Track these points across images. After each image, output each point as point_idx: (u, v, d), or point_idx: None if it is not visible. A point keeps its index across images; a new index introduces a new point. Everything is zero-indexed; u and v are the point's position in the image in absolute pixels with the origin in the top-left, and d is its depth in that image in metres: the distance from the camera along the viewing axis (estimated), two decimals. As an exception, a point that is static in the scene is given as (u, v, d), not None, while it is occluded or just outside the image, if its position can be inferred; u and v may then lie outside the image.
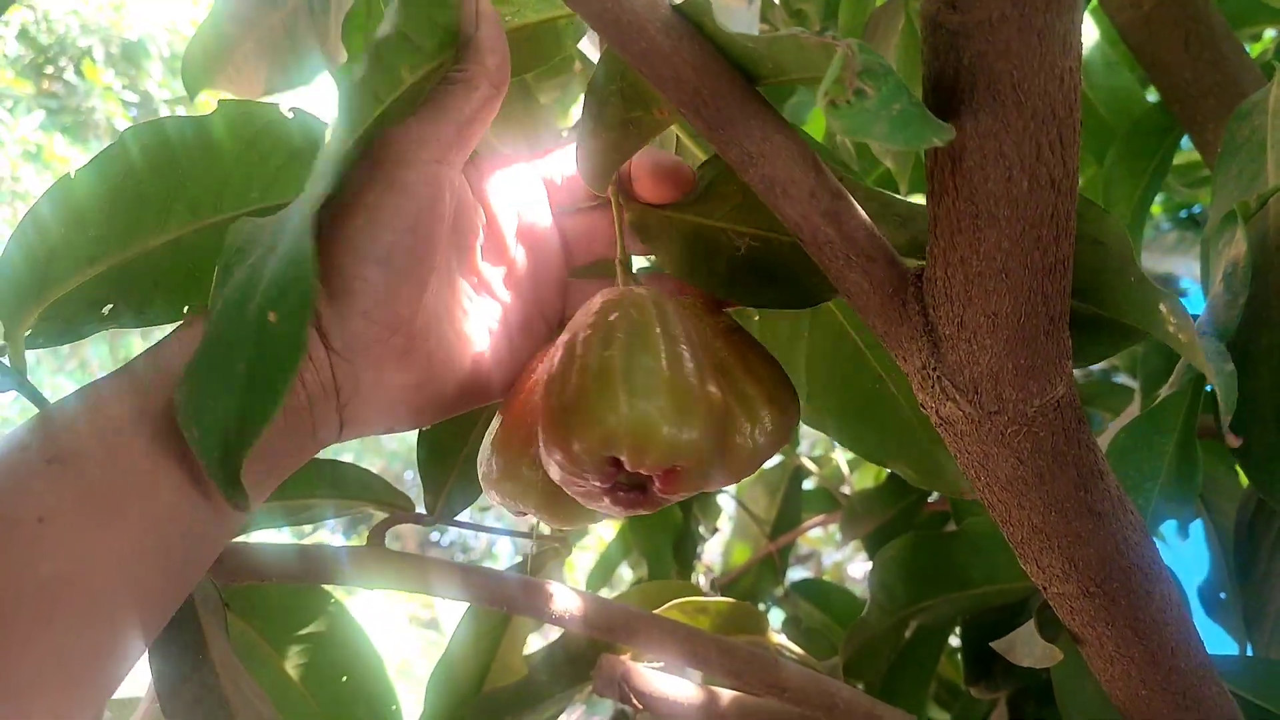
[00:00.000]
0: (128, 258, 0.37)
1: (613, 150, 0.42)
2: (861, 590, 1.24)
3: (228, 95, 0.61)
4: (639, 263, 0.47)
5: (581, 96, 0.42)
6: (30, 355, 0.38)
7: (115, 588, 0.32)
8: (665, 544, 1.12)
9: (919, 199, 0.38)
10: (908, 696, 0.73)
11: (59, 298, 0.37)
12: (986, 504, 0.40)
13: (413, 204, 0.37)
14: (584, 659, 0.60)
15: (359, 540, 0.55)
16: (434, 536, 4.06)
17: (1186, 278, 1.48)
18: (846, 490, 1.26)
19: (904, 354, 0.37)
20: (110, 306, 0.38)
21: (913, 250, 0.39)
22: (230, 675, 0.40)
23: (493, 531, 0.55)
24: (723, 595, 1.20)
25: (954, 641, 0.86)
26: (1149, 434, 0.48)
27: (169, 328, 0.37)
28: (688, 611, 0.61)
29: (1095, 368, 1.49)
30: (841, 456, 1.30)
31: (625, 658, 0.59)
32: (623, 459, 0.36)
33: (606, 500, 0.38)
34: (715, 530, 1.31)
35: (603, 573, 1.24)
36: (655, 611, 0.58)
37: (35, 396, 0.36)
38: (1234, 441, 0.40)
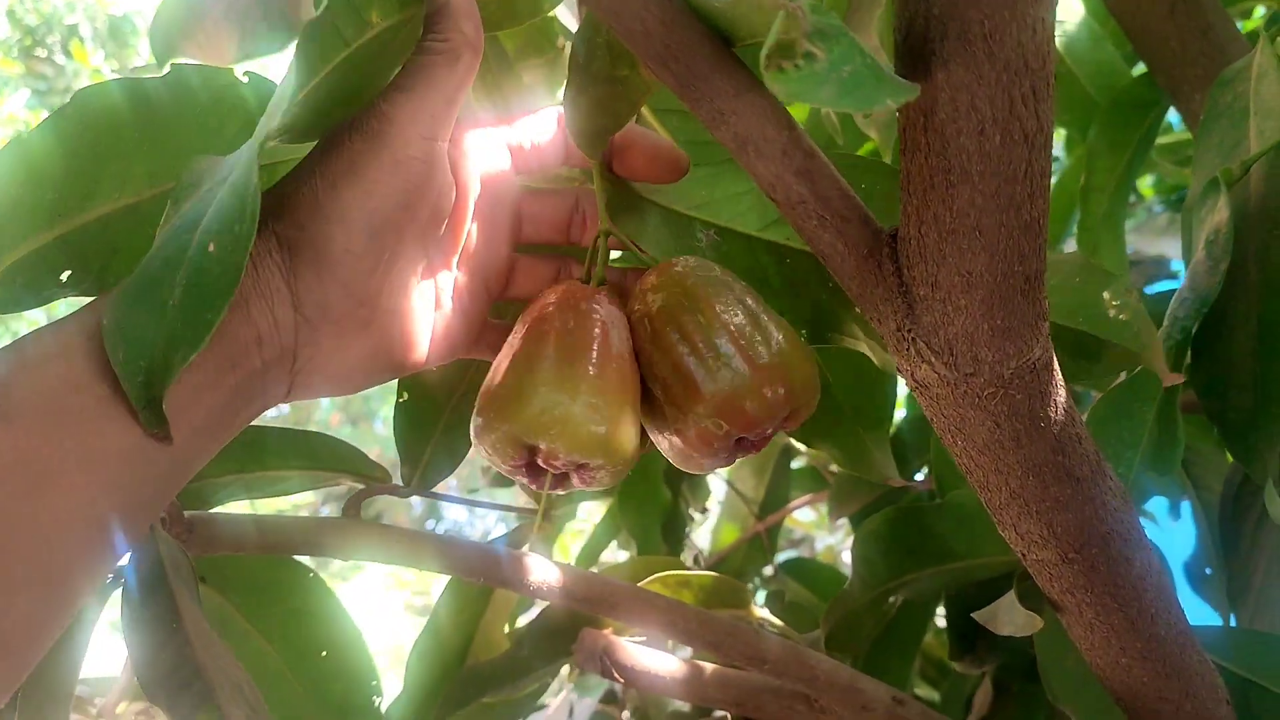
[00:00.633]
0: (85, 221, 0.37)
1: (601, 109, 0.41)
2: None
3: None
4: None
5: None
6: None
7: (46, 556, 0.31)
8: (653, 524, 1.12)
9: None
10: (892, 671, 0.73)
11: (13, 262, 0.36)
12: (964, 469, 0.40)
13: (408, 181, 0.38)
14: (567, 633, 0.60)
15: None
16: (430, 524, 4.07)
17: (1178, 259, 1.48)
18: (835, 469, 1.26)
19: (879, 316, 0.36)
20: (69, 273, 0.37)
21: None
22: (204, 643, 0.39)
23: (464, 502, 0.55)
24: (711, 575, 1.20)
25: (941, 621, 0.86)
26: (1128, 401, 0.48)
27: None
28: (670, 585, 0.61)
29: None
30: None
31: (607, 632, 0.59)
32: (541, 448, 0.38)
33: (521, 477, 0.40)
34: (705, 510, 1.31)
35: (591, 553, 1.23)
36: (637, 585, 0.58)
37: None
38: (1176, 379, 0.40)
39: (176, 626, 0.40)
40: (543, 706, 0.99)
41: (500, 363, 0.40)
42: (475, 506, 0.55)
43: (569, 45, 0.86)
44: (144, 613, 0.40)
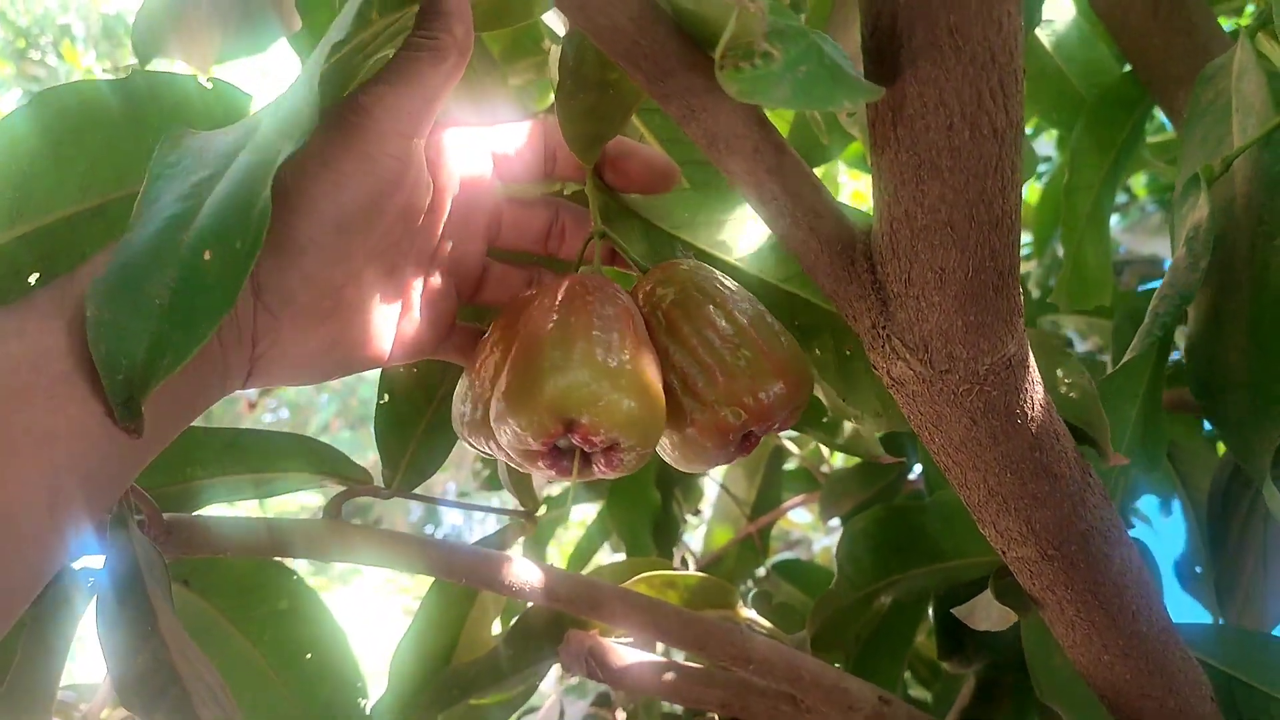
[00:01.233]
0: (49, 223, 0.36)
1: (592, 115, 0.42)
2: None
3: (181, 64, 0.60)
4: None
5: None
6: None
7: (5, 533, 0.31)
8: (643, 526, 1.12)
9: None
10: (883, 671, 0.73)
11: None
12: (942, 467, 0.40)
13: (382, 177, 0.38)
14: (552, 634, 0.60)
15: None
16: (428, 529, 4.06)
17: (1170, 259, 1.48)
18: (826, 470, 1.26)
19: (853, 313, 0.36)
20: (36, 275, 0.37)
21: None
22: (179, 647, 0.39)
23: (448, 504, 0.55)
24: (704, 576, 1.20)
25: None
26: (1110, 399, 0.48)
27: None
28: (655, 585, 0.60)
29: (1080, 349, 1.50)
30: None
31: (593, 633, 0.58)
32: (582, 422, 0.37)
33: (540, 461, 0.39)
34: (698, 512, 1.30)
35: (583, 555, 1.23)
36: (621, 585, 0.57)
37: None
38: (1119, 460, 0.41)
39: (152, 629, 0.40)
40: (533, 709, 0.99)
41: (528, 341, 0.39)
42: (467, 510, 0.55)
43: (556, 49, 0.86)
44: (119, 615, 0.40)
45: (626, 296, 0.42)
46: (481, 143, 0.44)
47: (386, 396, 0.51)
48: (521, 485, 0.59)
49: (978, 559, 0.64)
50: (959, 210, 0.31)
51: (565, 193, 0.49)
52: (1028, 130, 1.33)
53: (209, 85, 0.39)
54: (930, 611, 0.73)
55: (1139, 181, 1.69)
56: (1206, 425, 0.93)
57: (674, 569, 0.65)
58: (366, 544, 0.48)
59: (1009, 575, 0.45)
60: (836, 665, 0.75)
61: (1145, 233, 1.80)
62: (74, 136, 0.36)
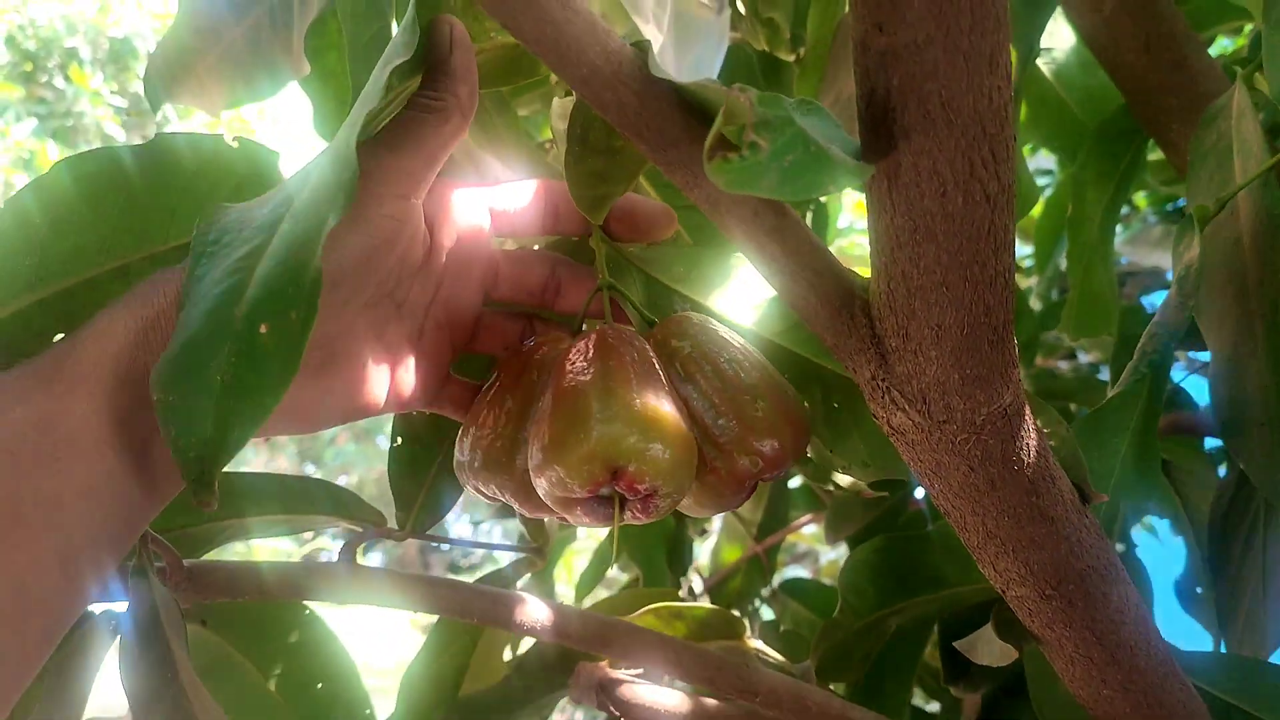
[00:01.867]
0: (69, 285, 0.38)
1: (599, 178, 0.43)
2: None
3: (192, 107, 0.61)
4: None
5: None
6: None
7: (20, 594, 0.32)
8: (658, 549, 1.12)
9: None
10: (890, 698, 0.74)
11: None
12: (942, 510, 0.41)
13: (374, 238, 0.38)
14: (563, 663, 0.61)
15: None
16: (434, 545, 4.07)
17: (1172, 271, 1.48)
18: (831, 489, 1.26)
19: (854, 365, 0.37)
20: (59, 336, 0.38)
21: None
22: (195, 693, 0.40)
23: (459, 544, 0.56)
24: (711, 597, 1.21)
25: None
26: (1097, 434, 0.48)
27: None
28: (663, 617, 0.61)
29: (1083, 361, 1.50)
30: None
31: (603, 665, 0.59)
32: (629, 471, 0.38)
33: (578, 509, 0.40)
34: (705, 532, 1.31)
35: (594, 576, 1.24)
36: (630, 616, 0.58)
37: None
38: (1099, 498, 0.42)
39: (172, 676, 0.41)
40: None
41: (569, 392, 0.40)
42: (474, 548, 0.55)
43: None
44: (141, 661, 0.41)
45: (650, 349, 0.43)
46: (480, 198, 0.45)
47: (400, 440, 0.52)
48: (533, 522, 0.60)
49: (981, 584, 0.65)
50: (954, 271, 0.32)
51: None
52: (1026, 149, 1.34)
53: (235, 144, 0.40)
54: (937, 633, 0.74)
55: (1139, 193, 1.70)
56: (1207, 445, 0.94)
57: (681, 599, 0.66)
58: (381, 586, 0.49)
59: (1009, 609, 0.46)
60: (841, 690, 0.76)
61: (1147, 245, 1.80)
62: (94, 202, 0.37)
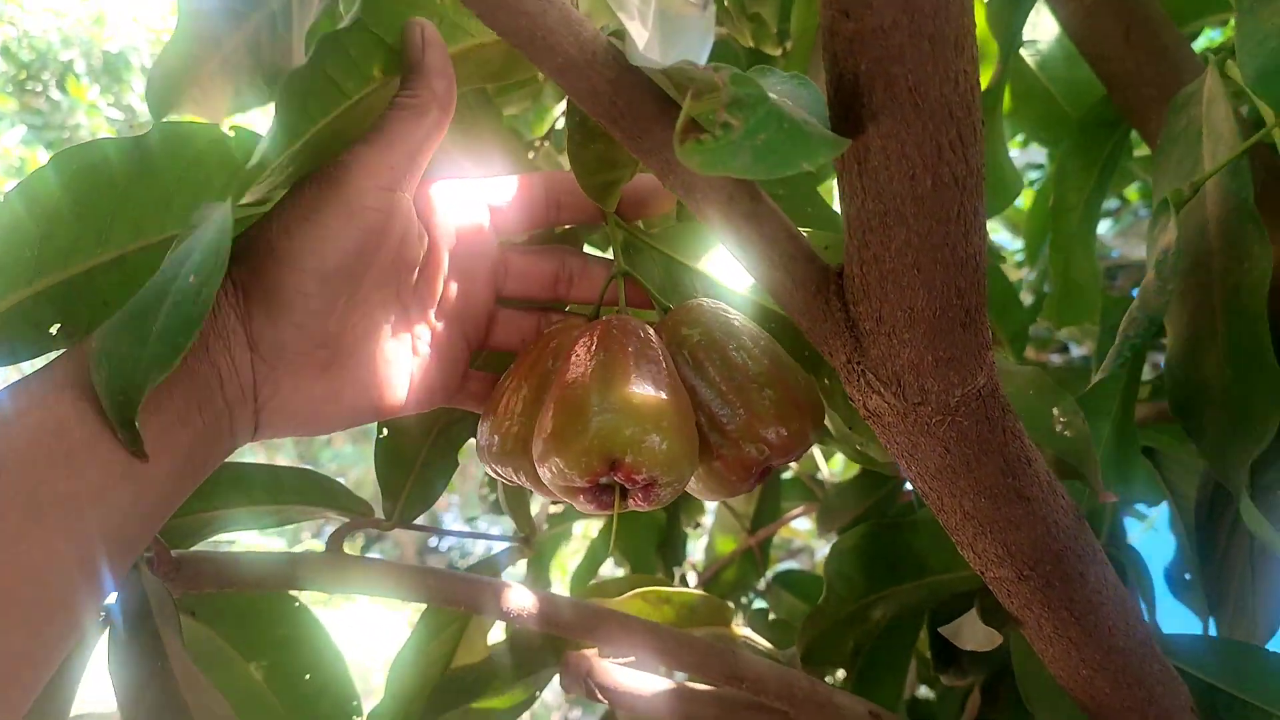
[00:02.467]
0: (69, 276, 0.38)
1: (605, 162, 0.43)
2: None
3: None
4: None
5: (555, 106, 0.44)
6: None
7: (38, 595, 0.32)
8: (648, 543, 1.13)
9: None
10: (884, 685, 0.74)
11: None
12: (920, 493, 0.41)
13: (363, 229, 0.39)
14: (552, 643, 0.61)
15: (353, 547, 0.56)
16: (432, 542, 4.08)
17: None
18: (822, 479, 1.27)
19: (829, 349, 0.38)
20: (57, 326, 0.38)
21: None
22: (188, 680, 0.41)
23: (448, 534, 0.56)
24: (705, 590, 1.21)
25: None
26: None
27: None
28: (651, 601, 0.62)
29: (1075, 354, 1.51)
30: (816, 448, 1.31)
31: (592, 653, 0.60)
32: (625, 462, 0.39)
33: (581, 497, 0.41)
34: (698, 525, 1.32)
35: (587, 571, 1.24)
36: (616, 600, 0.59)
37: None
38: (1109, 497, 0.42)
39: (162, 664, 0.41)
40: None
41: (570, 384, 0.40)
42: (464, 538, 0.56)
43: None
44: (130, 651, 0.42)
45: (656, 337, 0.43)
46: (476, 194, 0.46)
47: (385, 431, 0.53)
48: (520, 512, 0.60)
49: (965, 573, 0.65)
50: (925, 254, 0.33)
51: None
52: (1016, 142, 1.34)
53: (231, 133, 0.41)
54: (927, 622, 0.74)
55: (1131, 186, 1.70)
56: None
57: (671, 586, 0.66)
58: (368, 575, 0.50)
59: (992, 595, 0.46)
60: (833, 678, 0.76)
61: (1138, 237, 1.80)
62: (91, 193, 0.38)
